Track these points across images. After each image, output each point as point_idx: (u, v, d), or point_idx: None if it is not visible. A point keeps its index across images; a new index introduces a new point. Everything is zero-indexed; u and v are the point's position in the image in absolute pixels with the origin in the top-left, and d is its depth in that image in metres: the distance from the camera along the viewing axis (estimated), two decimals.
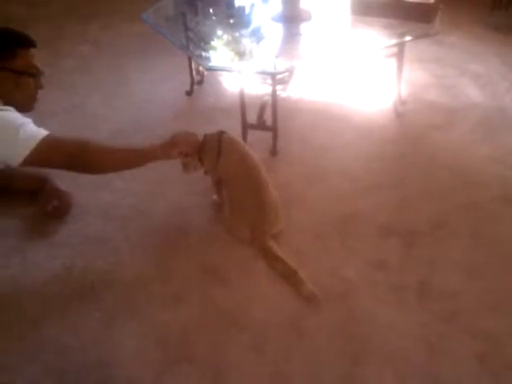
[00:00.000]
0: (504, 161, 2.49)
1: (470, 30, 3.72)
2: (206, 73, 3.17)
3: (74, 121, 2.90)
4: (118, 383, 1.63)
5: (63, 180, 2.33)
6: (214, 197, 2.24)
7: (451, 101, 2.98)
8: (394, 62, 2.82)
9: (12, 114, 1.84)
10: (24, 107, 1.96)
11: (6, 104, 1.87)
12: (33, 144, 1.79)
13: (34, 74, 2.00)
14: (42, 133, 1.84)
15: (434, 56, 3.42)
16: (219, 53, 2.59)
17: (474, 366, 1.63)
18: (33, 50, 2.01)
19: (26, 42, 1.99)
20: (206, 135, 2.14)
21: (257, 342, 1.72)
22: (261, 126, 2.60)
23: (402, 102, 2.91)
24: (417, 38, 2.65)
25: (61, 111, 2.99)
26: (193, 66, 3.06)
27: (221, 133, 2.13)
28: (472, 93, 3.05)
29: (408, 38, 2.59)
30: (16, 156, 1.79)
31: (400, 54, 2.77)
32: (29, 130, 1.82)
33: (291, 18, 2.73)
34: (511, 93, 3.02)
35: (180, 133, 2.08)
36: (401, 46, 2.73)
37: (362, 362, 1.65)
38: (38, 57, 2.03)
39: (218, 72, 3.17)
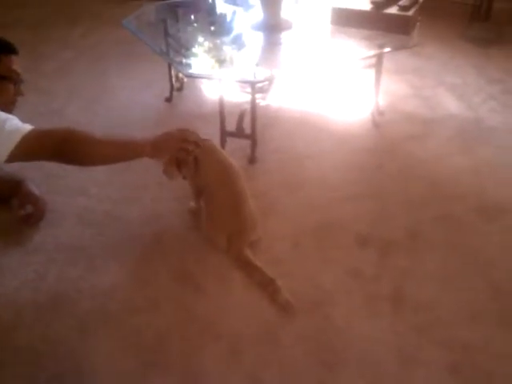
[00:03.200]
0: (479, 172, 2.53)
1: (448, 42, 3.78)
2: (185, 80, 3.17)
3: (52, 126, 2.86)
4: None
5: (38, 185, 2.31)
6: (191, 203, 2.23)
7: (428, 112, 3.02)
8: (372, 72, 2.85)
9: None
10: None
11: None
12: (19, 136, 1.75)
13: (14, 79, 2.01)
14: (28, 127, 1.80)
15: (412, 67, 3.46)
16: (199, 60, 2.59)
17: (446, 376, 1.65)
18: (14, 57, 2.01)
19: (9, 49, 2.00)
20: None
21: (232, 350, 1.72)
22: (240, 133, 2.60)
23: (380, 113, 2.94)
24: (395, 49, 2.69)
25: (39, 116, 2.96)
26: (172, 72, 3.06)
27: (201, 140, 2.12)
28: (449, 104, 3.09)
29: (387, 49, 2.63)
30: (2, 150, 1.74)
31: (378, 65, 2.81)
32: (14, 124, 1.79)
33: (272, 26, 2.75)
34: (487, 104, 3.08)
35: (173, 134, 1.98)
36: (379, 57, 2.77)
37: (336, 371, 1.66)
38: (19, 61, 2.02)
39: (198, 79, 3.17)
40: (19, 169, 2.33)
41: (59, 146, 1.82)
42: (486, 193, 2.40)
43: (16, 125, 1.80)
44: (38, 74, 3.38)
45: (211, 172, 2.08)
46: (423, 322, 1.81)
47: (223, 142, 2.58)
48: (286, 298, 1.84)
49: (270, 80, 2.74)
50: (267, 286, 1.89)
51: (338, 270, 2.01)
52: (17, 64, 2.03)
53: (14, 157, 1.76)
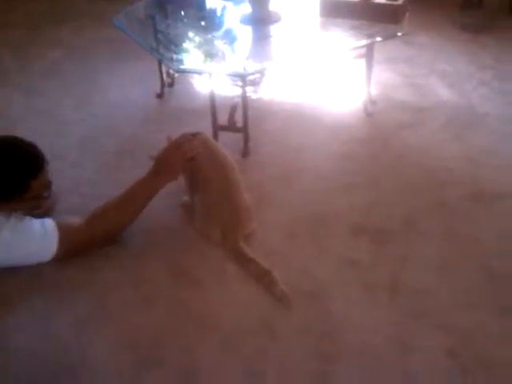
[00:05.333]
0: (473, 158, 2.52)
1: (438, 30, 3.78)
2: (176, 75, 3.16)
3: (43, 126, 2.86)
4: None
5: None
6: (185, 198, 2.23)
7: (421, 100, 3.01)
8: (363, 62, 2.84)
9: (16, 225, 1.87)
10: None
11: None
12: (53, 239, 1.89)
13: (47, 195, 2.00)
14: (50, 225, 1.90)
15: (403, 56, 3.46)
16: (190, 55, 2.58)
17: (444, 362, 1.64)
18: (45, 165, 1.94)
19: (38, 170, 1.91)
20: (181, 136, 2.12)
21: (229, 344, 1.71)
22: (232, 127, 2.60)
23: (372, 102, 2.93)
24: (385, 38, 2.68)
25: (30, 116, 2.95)
26: (163, 68, 3.05)
27: (195, 134, 2.12)
28: (441, 92, 3.09)
29: (377, 38, 2.62)
30: (46, 254, 1.91)
31: (369, 55, 2.80)
32: (38, 229, 1.89)
33: (261, 19, 2.74)
34: (479, 91, 3.07)
35: (169, 152, 2.05)
36: (370, 47, 2.75)
37: (334, 360, 1.65)
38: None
39: (189, 74, 3.16)
40: None
41: (101, 235, 2.00)
42: (480, 179, 2.40)
43: (39, 230, 1.89)
44: (28, 73, 3.36)
45: (205, 165, 2.07)
46: (420, 309, 1.81)
47: (215, 136, 2.58)
48: (282, 289, 1.83)
49: (261, 73, 2.73)
50: (263, 278, 1.88)
51: (333, 260, 2.01)
52: (47, 173, 1.96)
53: (62, 255, 1.93)
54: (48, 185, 1.98)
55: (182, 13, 2.92)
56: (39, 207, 2.02)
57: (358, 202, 2.28)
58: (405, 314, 1.79)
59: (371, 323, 1.77)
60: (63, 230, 1.93)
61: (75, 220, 2.01)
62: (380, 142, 2.67)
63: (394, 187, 2.36)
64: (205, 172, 2.07)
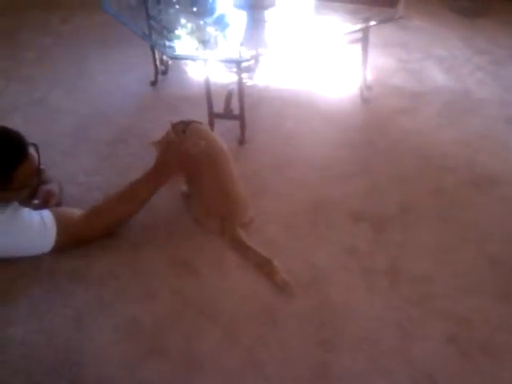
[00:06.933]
0: (470, 144, 2.51)
1: (434, 14, 3.74)
2: (170, 62, 3.12)
3: (35, 114, 2.82)
4: (90, 381, 1.60)
5: None
6: (183, 188, 2.20)
7: (417, 85, 2.99)
8: (359, 47, 2.81)
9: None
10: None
11: None
12: (51, 232, 1.89)
13: (35, 183, 1.92)
14: (48, 217, 1.91)
15: (399, 41, 3.43)
16: (183, 41, 2.55)
17: (445, 348, 1.65)
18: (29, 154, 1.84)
19: (20, 159, 1.80)
20: (173, 125, 2.10)
21: (229, 332, 1.70)
22: (228, 115, 2.57)
23: (368, 88, 2.91)
24: (381, 22, 2.65)
25: (22, 105, 2.91)
26: (156, 55, 3.01)
27: (189, 122, 2.10)
28: (437, 77, 3.07)
29: (372, 22, 2.59)
30: (45, 246, 1.92)
31: (365, 39, 2.76)
32: (38, 220, 1.89)
33: (255, 4, 2.71)
34: (475, 76, 3.06)
35: (170, 155, 2.04)
36: (365, 31, 2.72)
37: (335, 347, 1.65)
38: None
39: (183, 61, 3.12)
40: None
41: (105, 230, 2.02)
42: (477, 164, 2.39)
43: (37, 221, 1.89)
44: (18, 61, 3.31)
45: (200, 155, 2.04)
46: (420, 295, 1.81)
47: (211, 124, 2.55)
48: (283, 278, 1.82)
49: (256, 59, 2.70)
50: (264, 267, 1.87)
51: (332, 247, 2.00)
52: (32, 157, 1.84)
53: (61, 245, 1.93)
54: (35, 173, 1.87)
55: None
56: (34, 196, 1.98)
57: (356, 189, 2.26)
58: (405, 300, 1.79)
59: (372, 310, 1.77)
60: (62, 222, 1.91)
61: (75, 212, 1.99)
62: (376, 128, 2.65)
63: (391, 173, 2.35)
64: (200, 162, 2.05)
